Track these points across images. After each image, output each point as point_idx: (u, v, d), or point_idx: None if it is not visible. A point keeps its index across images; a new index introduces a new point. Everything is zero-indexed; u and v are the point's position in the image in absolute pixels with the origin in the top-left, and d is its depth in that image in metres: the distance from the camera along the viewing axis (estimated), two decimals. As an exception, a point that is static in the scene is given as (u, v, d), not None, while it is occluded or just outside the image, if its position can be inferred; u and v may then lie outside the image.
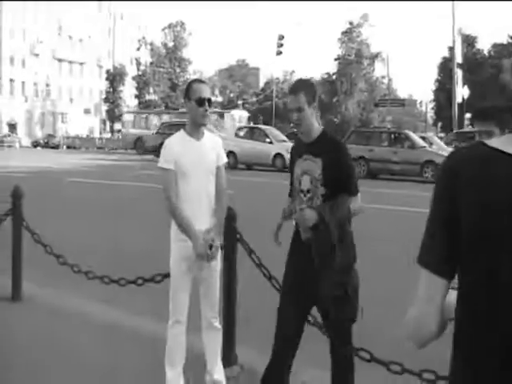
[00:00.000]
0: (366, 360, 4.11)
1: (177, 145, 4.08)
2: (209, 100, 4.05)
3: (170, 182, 4.01)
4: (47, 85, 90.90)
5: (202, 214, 4.02)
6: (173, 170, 4.00)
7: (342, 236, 3.61)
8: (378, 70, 77.64)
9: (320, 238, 3.57)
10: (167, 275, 4.97)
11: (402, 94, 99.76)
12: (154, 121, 47.31)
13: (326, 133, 3.80)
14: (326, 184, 3.66)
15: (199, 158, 4.04)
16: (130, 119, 49.78)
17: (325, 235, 3.55)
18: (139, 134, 43.98)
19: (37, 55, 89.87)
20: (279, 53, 59.04)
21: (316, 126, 3.75)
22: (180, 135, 4.16)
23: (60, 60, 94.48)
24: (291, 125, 3.93)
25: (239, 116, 48.12)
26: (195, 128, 4.10)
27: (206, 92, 4.07)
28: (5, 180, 17.10)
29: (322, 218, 3.56)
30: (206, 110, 4.03)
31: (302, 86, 3.72)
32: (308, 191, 3.72)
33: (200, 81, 4.29)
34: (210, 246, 3.92)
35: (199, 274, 4.13)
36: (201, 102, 4.01)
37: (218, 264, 4.18)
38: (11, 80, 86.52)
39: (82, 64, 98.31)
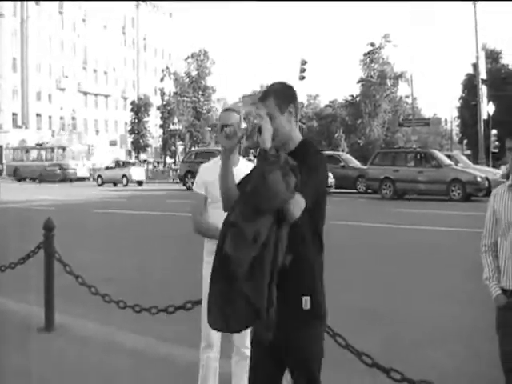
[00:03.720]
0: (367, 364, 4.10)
1: (208, 170, 4.19)
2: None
3: (196, 203, 4.20)
4: (73, 118, 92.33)
5: None
6: (202, 194, 4.18)
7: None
8: (402, 89, 77.69)
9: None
10: (199, 302, 5.03)
11: (426, 113, 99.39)
12: (32, 154, 60.59)
13: (306, 141, 3.16)
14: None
15: None
16: (10, 154, 65.38)
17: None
18: (16, 165, 58.63)
19: (63, 89, 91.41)
20: (302, 78, 59.00)
21: (295, 137, 3.12)
22: (213, 162, 4.26)
23: (85, 93, 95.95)
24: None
25: (78, 151, 60.16)
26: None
27: (228, 119, 4.12)
28: (37, 213, 17.36)
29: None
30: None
31: (272, 92, 3.09)
32: None
33: (227, 109, 4.33)
34: None
35: None
36: (222, 129, 4.09)
37: None
38: (38, 115, 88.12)
39: (107, 96, 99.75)
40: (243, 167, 4.13)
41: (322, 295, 3.01)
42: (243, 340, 4.21)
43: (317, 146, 3.14)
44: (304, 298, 2.92)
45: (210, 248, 4.14)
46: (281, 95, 3.07)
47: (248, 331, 4.10)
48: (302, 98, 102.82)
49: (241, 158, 4.28)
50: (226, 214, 3.36)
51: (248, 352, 4.20)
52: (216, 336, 4.16)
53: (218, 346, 4.21)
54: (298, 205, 2.76)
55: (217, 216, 4.05)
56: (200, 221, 4.17)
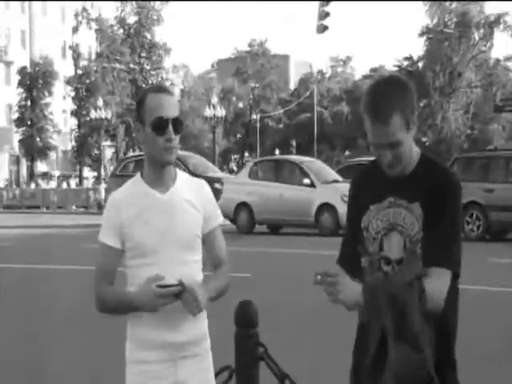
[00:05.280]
0: None
1: (127, 203, 4.10)
2: (175, 121, 4.03)
3: (103, 266, 4.12)
4: None
5: (172, 319, 3.98)
6: (115, 249, 4.09)
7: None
8: (500, 46, 78.13)
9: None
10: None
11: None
12: None
13: (427, 158, 3.81)
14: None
15: (166, 225, 4.05)
16: None
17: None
18: None
19: None
20: (323, 28, 58.84)
21: (414, 151, 3.75)
22: (133, 185, 4.19)
23: None
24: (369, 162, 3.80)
25: None
26: (157, 171, 4.11)
27: (168, 108, 4.07)
28: None
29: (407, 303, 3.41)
30: (171, 140, 4.03)
31: (395, 101, 3.59)
32: (399, 262, 3.70)
33: (159, 89, 4.23)
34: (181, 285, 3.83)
35: None
36: (160, 125, 4.00)
37: None
38: None
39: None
40: (183, 191, 4.13)
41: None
42: None
43: (443, 165, 3.81)
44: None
45: (137, 334, 4.09)
46: (406, 104, 3.61)
47: None
48: (322, 62, 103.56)
49: (181, 173, 4.23)
50: (169, 273, 3.91)
51: None
52: None
53: None
54: (439, 293, 3.51)
55: (142, 279, 3.96)
56: (104, 294, 4.07)
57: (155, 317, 3.92)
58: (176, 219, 4.04)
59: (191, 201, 4.09)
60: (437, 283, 3.47)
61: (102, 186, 60.34)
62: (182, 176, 4.19)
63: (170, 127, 3.98)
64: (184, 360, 4.04)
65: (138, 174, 4.18)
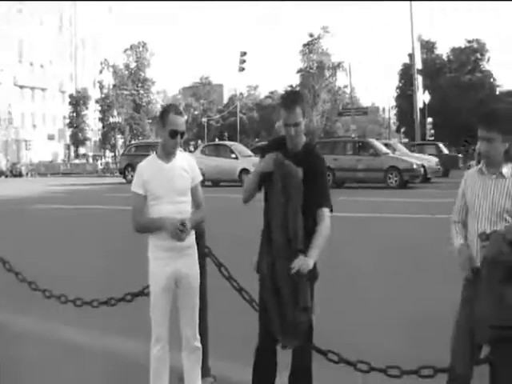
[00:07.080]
0: (333, 361, 4.25)
1: (146, 169, 4.21)
2: (182, 133, 4.17)
3: (135, 204, 4.20)
4: (9, 112, 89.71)
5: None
6: (141, 195, 4.17)
7: None
8: (341, 79, 78.26)
9: None
10: (138, 294, 5.10)
11: (364, 102, 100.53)
12: None
13: (310, 144, 4.11)
14: (305, 194, 3.76)
15: (169, 181, 4.14)
16: None
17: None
18: None
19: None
20: (242, 69, 59.04)
21: (303, 137, 4.00)
22: (150, 159, 4.29)
23: (21, 87, 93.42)
24: (257, 140, 3.91)
25: None
26: (164, 153, 4.23)
27: (180, 125, 4.16)
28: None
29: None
30: (177, 144, 4.17)
31: (297, 100, 3.89)
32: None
33: (177, 111, 4.25)
34: (182, 225, 4.03)
35: (177, 291, 4.22)
36: (174, 134, 4.13)
37: (196, 280, 4.27)
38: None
39: (43, 90, 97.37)
40: (179, 163, 4.24)
41: None
42: (192, 330, 4.26)
43: (316, 148, 4.32)
44: None
45: (155, 242, 4.17)
46: (303, 102, 3.91)
47: (196, 320, 4.27)
48: (241, 88, 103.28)
49: (179, 151, 4.30)
50: (167, 211, 4.10)
51: (198, 342, 4.30)
52: (164, 329, 4.17)
53: (167, 338, 4.19)
54: (327, 230, 3.80)
55: (158, 212, 4.14)
56: (140, 221, 4.18)
57: (167, 234, 4.07)
58: (175, 178, 4.17)
59: (184, 167, 4.24)
60: (324, 226, 3.79)
61: (99, 161, 60.95)
62: (179, 153, 4.31)
63: (179, 137, 4.16)
64: (181, 256, 4.16)
65: (154, 153, 4.33)
